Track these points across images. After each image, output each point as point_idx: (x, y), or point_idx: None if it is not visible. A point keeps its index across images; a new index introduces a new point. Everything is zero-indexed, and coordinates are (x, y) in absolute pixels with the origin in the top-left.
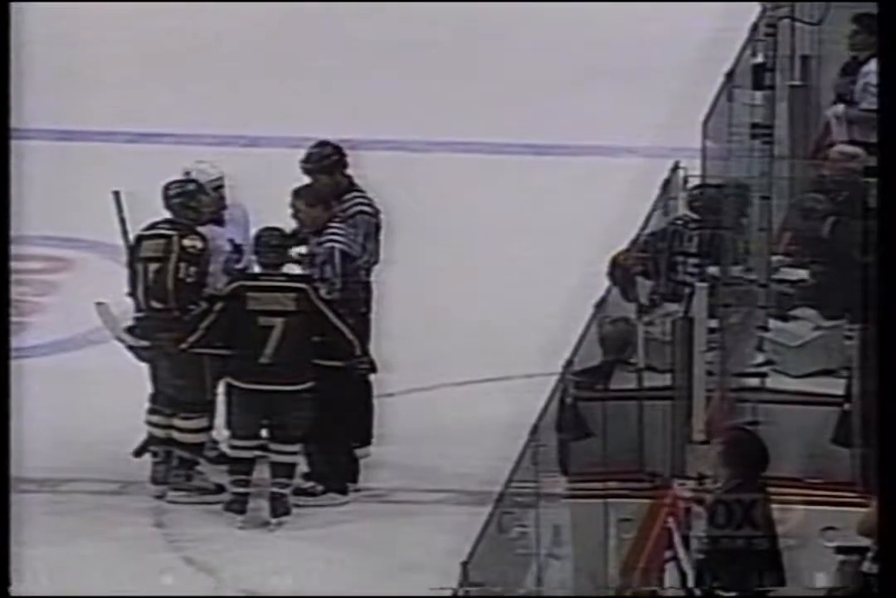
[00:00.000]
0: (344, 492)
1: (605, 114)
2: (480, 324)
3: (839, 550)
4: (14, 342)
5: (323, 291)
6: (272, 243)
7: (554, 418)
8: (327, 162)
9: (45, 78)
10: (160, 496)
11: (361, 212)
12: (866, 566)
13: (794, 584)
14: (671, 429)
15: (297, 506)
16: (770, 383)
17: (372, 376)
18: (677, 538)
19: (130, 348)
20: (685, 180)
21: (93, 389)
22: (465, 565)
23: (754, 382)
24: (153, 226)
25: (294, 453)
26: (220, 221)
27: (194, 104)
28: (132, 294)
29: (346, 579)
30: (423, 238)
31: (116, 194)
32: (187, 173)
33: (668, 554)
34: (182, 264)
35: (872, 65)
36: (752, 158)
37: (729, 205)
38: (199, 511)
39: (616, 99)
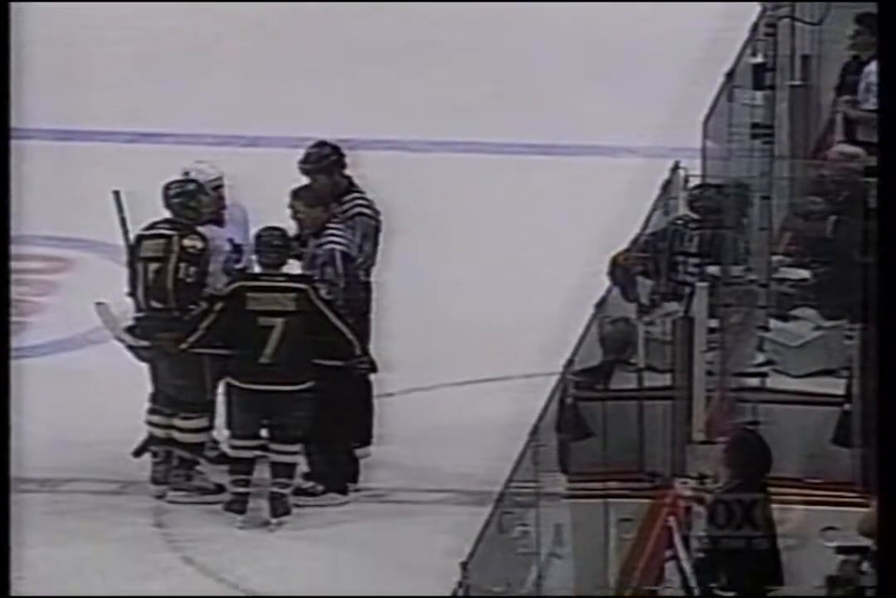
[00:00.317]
0: (344, 492)
1: (605, 114)
2: (480, 324)
3: (839, 550)
4: (14, 342)
5: (323, 292)
6: (273, 243)
7: (554, 418)
8: (325, 162)
9: (45, 78)
10: (160, 496)
11: (361, 214)
12: (866, 566)
13: (794, 584)
14: (671, 429)
15: (298, 506)
16: (770, 383)
17: (372, 376)
18: (677, 538)
19: (130, 347)
20: (685, 180)
21: (93, 389)
22: (465, 565)
23: (754, 382)
24: (153, 226)
25: (294, 453)
26: (219, 221)
27: (194, 104)
28: (132, 294)
29: (346, 579)
30: (423, 238)
31: (117, 194)
32: (186, 173)
33: (668, 554)
34: (182, 264)
35: (874, 65)
36: (752, 158)
37: (729, 205)
38: (199, 511)
39: (616, 99)
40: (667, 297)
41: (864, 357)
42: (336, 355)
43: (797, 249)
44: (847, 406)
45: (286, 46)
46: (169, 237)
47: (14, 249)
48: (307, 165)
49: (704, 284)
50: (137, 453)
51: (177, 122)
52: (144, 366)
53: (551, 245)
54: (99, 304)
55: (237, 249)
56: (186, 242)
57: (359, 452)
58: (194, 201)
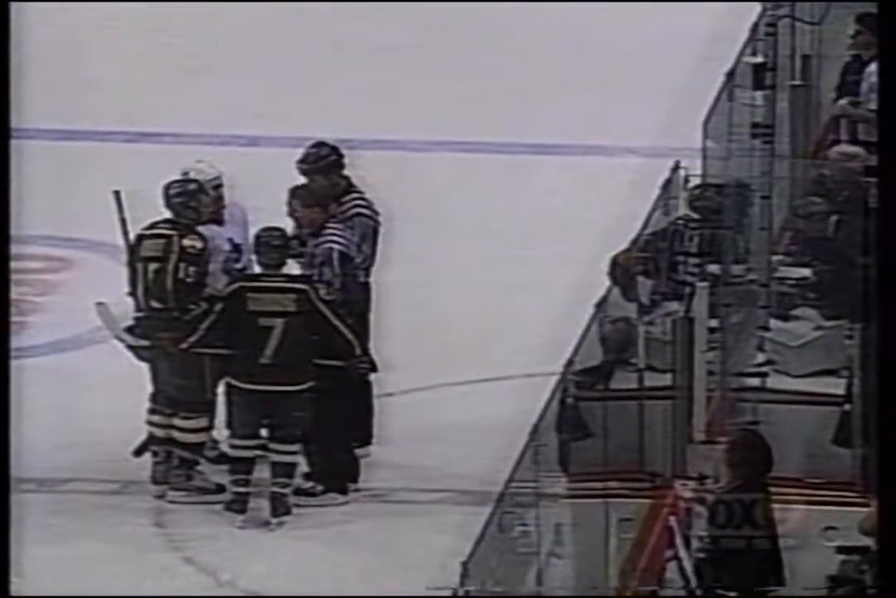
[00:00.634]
0: (344, 492)
1: (605, 114)
2: (481, 324)
3: (840, 550)
4: (14, 342)
5: (323, 292)
6: (272, 244)
7: (554, 418)
8: (323, 163)
9: (45, 78)
10: (160, 496)
11: (359, 214)
12: (866, 566)
13: (794, 584)
14: (672, 429)
15: (298, 506)
16: (771, 382)
17: (372, 376)
18: (678, 538)
19: (130, 347)
20: (686, 180)
21: (93, 389)
22: (465, 565)
23: (755, 381)
24: (153, 226)
25: (294, 453)
26: (219, 221)
27: (194, 104)
28: (132, 294)
29: (346, 579)
30: (422, 238)
31: (117, 194)
32: (186, 173)
33: (668, 554)
34: (182, 264)
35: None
36: (752, 158)
37: (729, 204)
38: (199, 511)
39: (616, 99)
40: (667, 297)
41: (865, 357)
42: (336, 355)
43: (797, 249)
44: (847, 406)
45: (286, 46)
46: (169, 237)
47: (14, 249)
48: (305, 166)
49: (705, 283)
50: (137, 452)
51: (177, 122)
52: (144, 366)
53: (551, 245)
54: (99, 304)
55: (237, 248)
56: (186, 241)
57: (359, 452)
58: (195, 201)
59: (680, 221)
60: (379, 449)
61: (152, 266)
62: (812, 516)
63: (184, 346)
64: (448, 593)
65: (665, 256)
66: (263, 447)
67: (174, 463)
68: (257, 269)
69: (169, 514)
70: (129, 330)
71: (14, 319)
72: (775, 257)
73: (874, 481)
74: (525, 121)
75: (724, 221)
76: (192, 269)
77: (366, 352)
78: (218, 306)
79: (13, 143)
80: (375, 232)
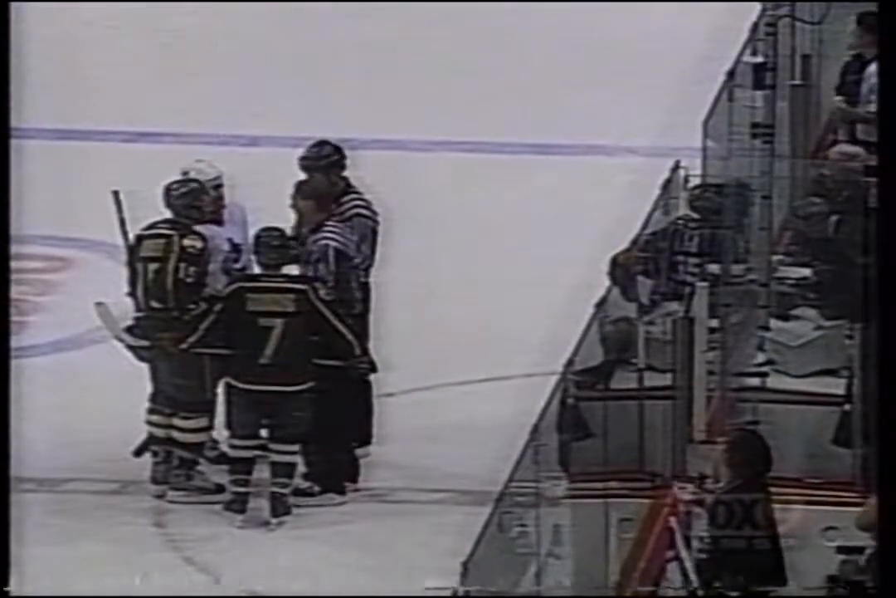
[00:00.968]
0: (342, 492)
1: (605, 114)
2: (480, 324)
3: (840, 550)
4: (14, 342)
5: (323, 292)
6: (272, 244)
7: (555, 418)
8: (325, 162)
9: (45, 78)
10: (160, 496)
11: (358, 214)
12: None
13: (794, 584)
14: (672, 429)
15: (296, 506)
16: (771, 382)
17: (372, 376)
18: (679, 538)
19: (130, 348)
20: (686, 180)
21: (93, 389)
22: (465, 565)
23: (755, 381)
24: (153, 226)
25: (294, 453)
26: (218, 221)
27: (194, 104)
28: (132, 294)
29: (346, 579)
30: (422, 238)
31: (116, 194)
32: (185, 173)
33: (669, 554)
34: (182, 264)
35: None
36: (752, 158)
37: (729, 204)
38: (199, 511)
39: (617, 99)
40: (667, 296)
41: (865, 357)
42: (336, 355)
43: (797, 249)
44: (847, 406)
45: (286, 46)
46: (169, 237)
47: (14, 249)
48: (306, 162)
49: (705, 283)
50: (137, 452)
51: (176, 121)
52: (144, 366)
53: (551, 245)
54: (98, 304)
55: (236, 248)
56: (186, 241)
57: (359, 452)
58: (197, 201)
59: (680, 221)
60: (379, 449)
61: (152, 266)
62: (812, 516)
63: (183, 346)
64: (448, 593)
65: (665, 256)
66: (263, 447)
67: (174, 463)
68: (257, 269)
69: (169, 514)
70: (129, 330)
71: (14, 319)
72: (775, 257)
73: (874, 481)
74: (525, 121)
75: (724, 220)
76: (192, 269)
77: (365, 352)
78: (218, 307)
79: (13, 143)
80: (375, 232)
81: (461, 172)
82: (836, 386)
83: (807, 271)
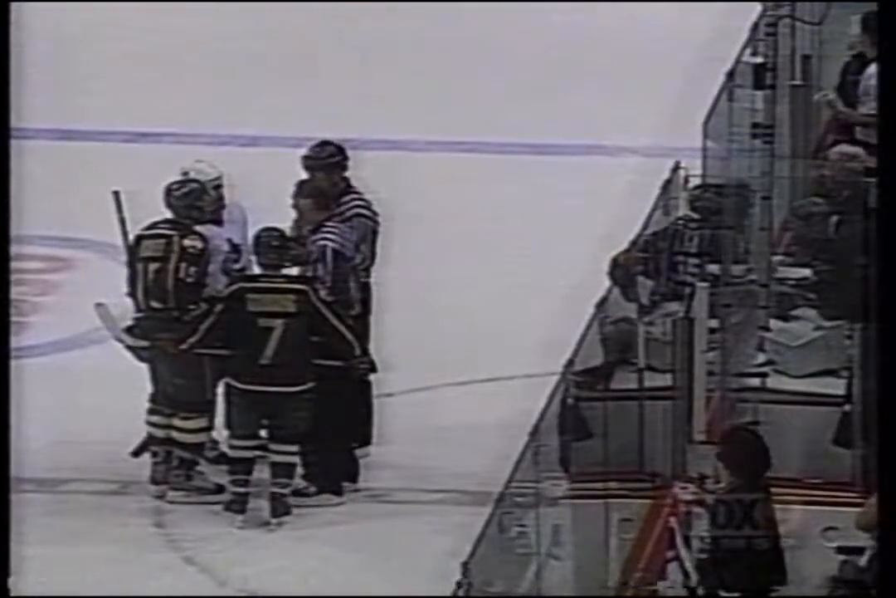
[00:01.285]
0: (339, 493)
1: (606, 114)
2: (481, 324)
3: (840, 550)
4: (14, 342)
5: (323, 292)
6: (272, 244)
7: (555, 418)
8: (328, 161)
9: (45, 78)
10: (160, 497)
11: (359, 214)
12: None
13: (794, 584)
14: (672, 429)
15: (293, 506)
16: (771, 383)
17: (372, 376)
18: (679, 538)
19: (130, 348)
20: (686, 180)
21: (93, 389)
22: (465, 565)
23: (755, 382)
24: (153, 226)
25: (294, 454)
26: (218, 221)
27: (194, 104)
28: (132, 294)
29: (346, 579)
30: (422, 238)
31: (116, 194)
32: (185, 173)
33: (669, 554)
34: (182, 264)
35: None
36: (752, 158)
37: (730, 205)
38: (199, 511)
39: (617, 99)
40: (667, 297)
41: (865, 357)
42: (336, 355)
43: (797, 249)
44: (847, 407)
45: (286, 46)
46: (169, 237)
47: (14, 249)
48: (309, 162)
49: (705, 284)
50: (137, 453)
51: (176, 121)
52: (144, 366)
53: (551, 245)
54: (98, 305)
55: (236, 248)
56: (187, 242)
57: (359, 452)
58: (199, 201)
59: (680, 222)
60: (379, 449)
61: (152, 266)
62: (812, 516)
63: (184, 347)
64: (448, 593)
65: (665, 256)
66: (263, 448)
67: (174, 463)
68: (257, 269)
69: (168, 514)
70: (129, 331)
71: (14, 319)
72: (775, 258)
73: (874, 482)
74: (525, 121)
75: (725, 221)
76: (192, 269)
77: (365, 352)
78: (218, 307)
79: (13, 143)
80: (375, 232)
81: (461, 172)
82: (836, 386)
83: (807, 272)
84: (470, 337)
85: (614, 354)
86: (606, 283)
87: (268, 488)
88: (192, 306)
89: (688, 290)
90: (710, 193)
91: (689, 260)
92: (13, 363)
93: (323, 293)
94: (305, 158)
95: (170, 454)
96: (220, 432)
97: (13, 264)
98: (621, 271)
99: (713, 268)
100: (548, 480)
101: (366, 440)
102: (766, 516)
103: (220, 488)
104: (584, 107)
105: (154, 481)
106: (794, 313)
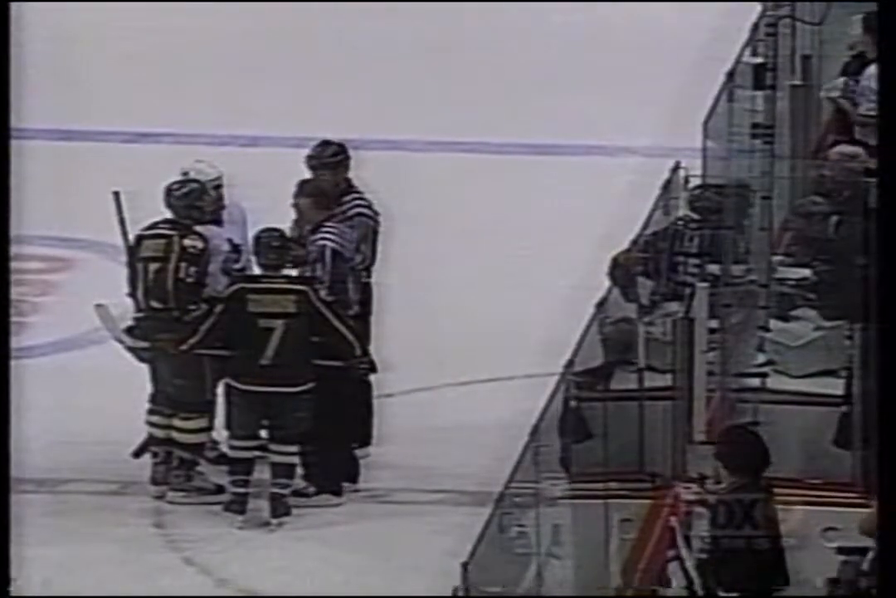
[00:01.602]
0: (338, 493)
1: (605, 114)
2: (481, 324)
3: (840, 550)
4: (14, 342)
5: (323, 293)
6: (272, 245)
7: (554, 418)
8: (331, 160)
9: (45, 78)
10: (160, 497)
11: (360, 214)
12: (866, 566)
13: (794, 584)
14: (672, 429)
15: (294, 507)
16: (771, 383)
17: (372, 377)
18: (680, 538)
19: (130, 348)
20: (686, 180)
21: (93, 389)
22: (465, 565)
23: (755, 382)
24: (153, 226)
25: (294, 454)
26: (218, 221)
27: (194, 104)
28: (132, 294)
29: (346, 579)
30: (423, 238)
31: (116, 195)
32: (185, 173)
33: (670, 554)
34: (182, 264)
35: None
36: (752, 158)
37: (730, 205)
38: (198, 512)
39: (617, 99)
40: (667, 297)
41: (865, 358)
42: (336, 355)
43: (798, 250)
44: (845, 408)
45: (286, 46)
46: (169, 237)
47: (14, 249)
48: (312, 161)
49: (705, 284)
50: (137, 453)
51: (176, 122)
52: (144, 366)
53: (551, 245)
54: (98, 305)
55: (236, 249)
56: (187, 242)
57: (358, 452)
58: (200, 201)
59: (680, 222)
60: (379, 450)
61: (153, 266)
62: (812, 516)
63: (184, 347)
64: (448, 593)
65: (665, 256)
66: (263, 448)
67: (174, 464)
68: (257, 270)
69: (168, 515)
70: (129, 331)
71: (14, 319)
72: (775, 258)
73: (874, 482)
74: (525, 121)
75: (725, 221)
76: (192, 269)
77: (365, 353)
78: (218, 308)
79: (13, 143)
80: (375, 232)
81: (461, 172)
82: (836, 387)
83: (807, 272)
84: (470, 337)
85: (614, 354)
86: (606, 283)
87: (268, 488)
88: (192, 307)
89: (688, 290)
90: (710, 193)
91: (689, 260)
92: (13, 363)
93: (323, 293)
94: (309, 157)
95: (170, 455)
96: (220, 433)
97: (13, 264)
98: (621, 271)
99: (713, 268)
100: (547, 480)
101: (366, 441)
102: (768, 516)
103: (220, 489)
104: (584, 107)
105: (154, 482)
106: (794, 313)
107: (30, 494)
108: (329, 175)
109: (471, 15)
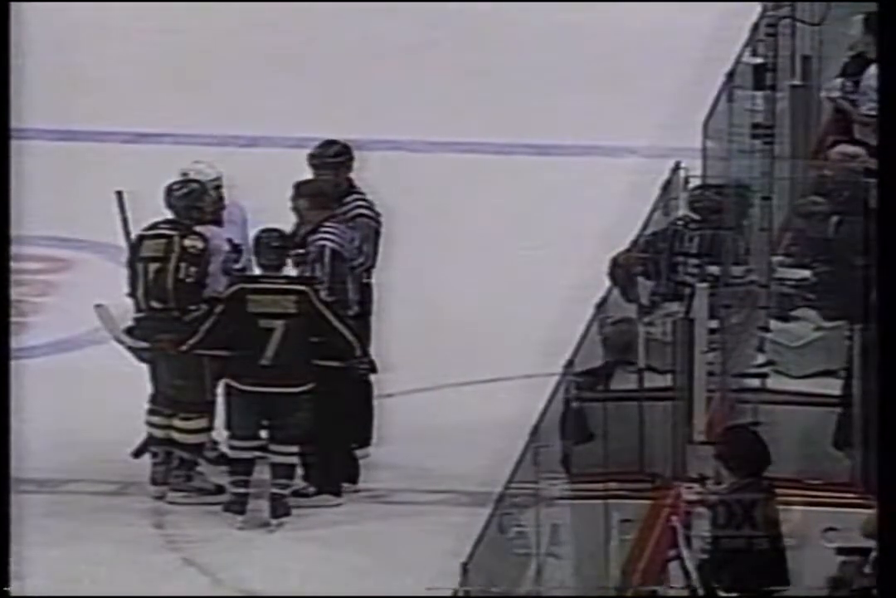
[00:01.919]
0: (338, 493)
1: (605, 114)
2: (481, 324)
3: (840, 551)
4: (14, 342)
5: (324, 293)
6: (272, 245)
7: (555, 419)
8: (334, 160)
9: (45, 78)
10: (160, 497)
11: (361, 215)
12: (867, 568)
13: (794, 584)
14: (672, 430)
15: (294, 507)
16: (771, 383)
17: (372, 377)
18: (681, 538)
19: (130, 349)
20: (686, 181)
21: (93, 389)
22: (465, 565)
23: (755, 382)
24: (154, 226)
25: (294, 454)
26: (218, 221)
27: (194, 104)
28: (132, 294)
29: (346, 579)
30: (423, 238)
31: (119, 194)
32: (185, 174)
33: (671, 554)
34: (182, 265)
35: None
36: (752, 159)
37: (730, 205)
38: (198, 512)
39: (616, 99)
40: (667, 297)
41: (865, 358)
42: (336, 356)
43: (797, 250)
44: (843, 409)
45: (286, 46)
46: (170, 237)
47: (14, 249)
48: (315, 160)
49: (705, 284)
50: (137, 453)
51: (176, 122)
52: (144, 366)
53: (551, 245)
54: (98, 306)
55: (236, 249)
56: (187, 242)
57: (359, 452)
58: (200, 202)
59: (680, 222)
60: (379, 450)
61: (153, 266)
62: (812, 517)
63: (184, 348)
64: (448, 593)
65: (665, 256)
66: (263, 448)
67: (174, 464)
68: (257, 270)
69: (168, 515)
70: (129, 331)
71: (14, 319)
72: (775, 258)
73: (874, 483)
74: (525, 121)
75: (725, 221)
76: (192, 269)
77: (366, 353)
78: (218, 308)
79: (13, 143)
80: (377, 233)
81: (461, 172)
82: (836, 387)
83: (807, 272)
84: (470, 337)
85: (614, 354)
86: (606, 283)
87: (268, 488)
88: (192, 307)
89: (688, 290)
90: (709, 193)
91: (689, 260)
92: (13, 363)
93: (323, 294)
94: (311, 156)
95: (170, 455)
96: (220, 433)
97: (13, 265)
98: (621, 272)
99: (713, 268)
100: (547, 480)
101: (366, 441)
102: (768, 516)
103: (219, 489)
104: (583, 107)
105: (154, 482)
106: (794, 313)
107: (30, 494)
108: (331, 175)
109: (471, 15)
